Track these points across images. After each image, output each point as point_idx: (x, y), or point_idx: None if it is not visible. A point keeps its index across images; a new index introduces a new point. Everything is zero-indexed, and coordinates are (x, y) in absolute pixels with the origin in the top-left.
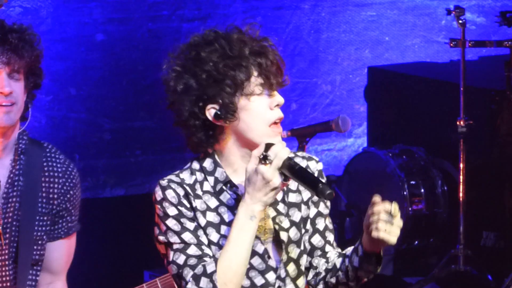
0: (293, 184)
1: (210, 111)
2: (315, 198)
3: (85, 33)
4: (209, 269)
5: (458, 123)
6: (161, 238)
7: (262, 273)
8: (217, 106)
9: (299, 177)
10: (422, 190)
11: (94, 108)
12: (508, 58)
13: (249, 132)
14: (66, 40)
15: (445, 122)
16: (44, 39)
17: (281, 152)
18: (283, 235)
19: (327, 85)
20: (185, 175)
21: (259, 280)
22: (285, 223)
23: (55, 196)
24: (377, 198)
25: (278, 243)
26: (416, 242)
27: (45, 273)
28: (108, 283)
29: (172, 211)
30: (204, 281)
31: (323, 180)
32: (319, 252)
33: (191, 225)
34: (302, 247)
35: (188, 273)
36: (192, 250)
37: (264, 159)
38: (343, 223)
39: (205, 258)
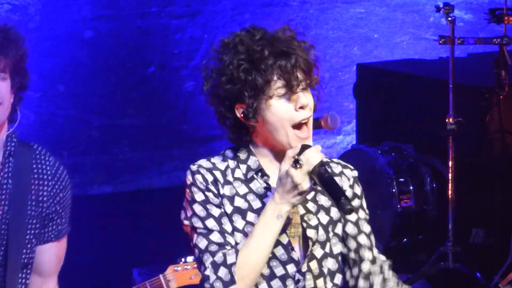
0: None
1: (239, 110)
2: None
3: (74, 30)
4: (229, 260)
5: (447, 120)
6: (186, 222)
7: (283, 263)
8: (244, 106)
9: (325, 186)
10: (411, 187)
11: (83, 105)
12: (497, 55)
13: (275, 134)
14: (54, 37)
15: (434, 119)
16: (33, 36)
17: (312, 157)
18: (310, 232)
19: None
20: (217, 160)
21: (279, 271)
22: (313, 221)
23: (45, 199)
24: None
25: (305, 239)
26: (405, 239)
27: (35, 276)
28: (97, 281)
29: (199, 196)
30: (223, 271)
31: (348, 194)
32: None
33: (216, 212)
34: (327, 250)
35: (207, 259)
36: (215, 237)
37: (295, 162)
38: None
39: (226, 247)
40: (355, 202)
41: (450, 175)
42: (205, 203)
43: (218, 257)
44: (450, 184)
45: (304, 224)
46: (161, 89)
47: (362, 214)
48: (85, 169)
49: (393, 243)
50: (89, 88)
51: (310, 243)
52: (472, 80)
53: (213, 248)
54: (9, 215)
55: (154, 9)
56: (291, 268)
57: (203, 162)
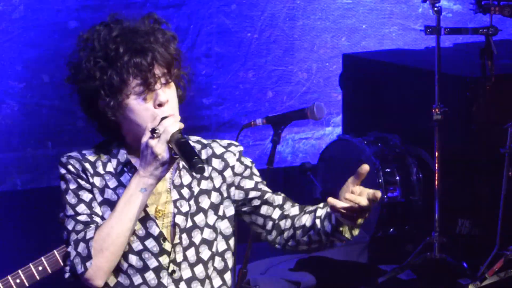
0: (207, 170)
1: (101, 107)
2: (231, 180)
3: (58, 20)
4: (88, 235)
5: (433, 110)
6: (61, 214)
7: (156, 255)
8: (107, 104)
9: (180, 151)
10: (397, 178)
11: (68, 96)
12: (484, 45)
13: (139, 130)
14: (38, 27)
15: (420, 109)
16: (17, 26)
17: (170, 126)
18: (178, 219)
19: (303, 73)
20: (87, 152)
21: (152, 262)
22: (185, 207)
23: None
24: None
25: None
26: (391, 229)
27: None
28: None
29: (72, 185)
30: (81, 246)
31: (200, 156)
32: (274, 219)
33: (87, 197)
34: (205, 236)
35: (73, 238)
36: (82, 218)
37: (152, 132)
38: None
39: (91, 225)
40: (247, 172)
41: (436, 165)
42: (77, 190)
43: (80, 235)
44: (436, 175)
45: (176, 210)
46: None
47: (257, 178)
48: None
49: (379, 234)
50: None
51: (177, 230)
52: (458, 70)
53: (79, 227)
54: None
55: None
56: (164, 259)
57: (73, 153)
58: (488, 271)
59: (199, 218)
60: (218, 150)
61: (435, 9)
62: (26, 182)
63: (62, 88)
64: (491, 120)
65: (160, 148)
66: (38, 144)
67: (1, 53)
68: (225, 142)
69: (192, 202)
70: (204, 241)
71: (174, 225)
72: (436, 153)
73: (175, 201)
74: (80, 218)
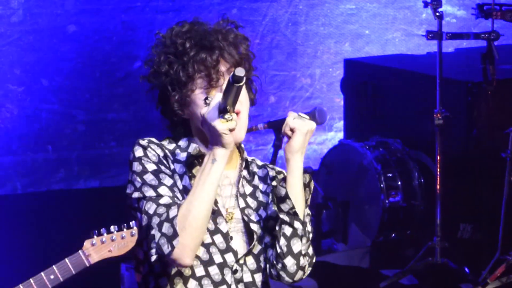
0: (262, 185)
1: (172, 103)
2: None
3: (57, 24)
4: (171, 214)
5: (434, 115)
6: (136, 194)
7: (222, 252)
8: (174, 99)
9: (225, 93)
10: (399, 183)
11: (67, 100)
12: (485, 51)
13: (203, 125)
14: (37, 31)
15: (422, 114)
16: (16, 30)
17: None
18: (254, 226)
19: (306, 78)
20: (165, 142)
21: (217, 258)
22: (254, 217)
23: None
24: None
25: (248, 233)
26: (393, 234)
27: None
28: (84, 276)
29: (151, 166)
30: (165, 226)
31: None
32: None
33: (169, 181)
34: (263, 245)
35: (156, 221)
36: (164, 200)
37: (205, 102)
38: (320, 215)
39: (172, 206)
40: None
41: (437, 170)
42: (157, 172)
43: (163, 216)
44: (437, 179)
45: (246, 218)
46: (147, 84)
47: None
48: (70, 164)
49: (380, 238)
50: (73, 82)
51: (255, 236)
52: (459, 75)
53: (161, 210)
54: None
55: (139, 3)
56: (229, 258)
57: (152, 139)
58: (490, 276)
59: (259, 229)
60: (271, 173)
61: (437, 14)
62: (26, 186)
63: (61, 92)
64: (492, 125)
65: (212, 113)
66: (38, 148)
67: (0, 57)
68: (278, 168)
69: (261, 212)
70: (261, 252)
71: (246, 231)
72: (438, 158)
73: (242, 209)
74: (162, 201)
